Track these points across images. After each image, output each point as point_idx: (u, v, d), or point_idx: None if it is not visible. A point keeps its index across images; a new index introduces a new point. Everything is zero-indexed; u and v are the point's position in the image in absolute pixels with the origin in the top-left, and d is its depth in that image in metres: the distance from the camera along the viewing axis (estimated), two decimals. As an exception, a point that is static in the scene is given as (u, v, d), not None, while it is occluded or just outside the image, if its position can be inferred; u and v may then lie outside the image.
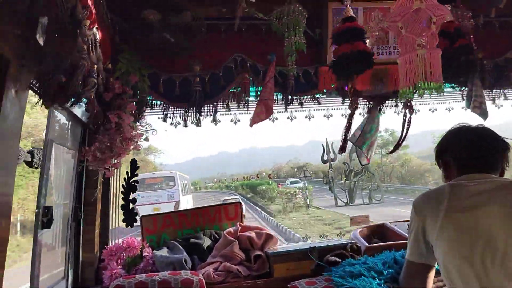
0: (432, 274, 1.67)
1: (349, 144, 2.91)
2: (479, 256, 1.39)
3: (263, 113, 2.66)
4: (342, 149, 2.77)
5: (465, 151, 1.65)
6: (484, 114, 2.87)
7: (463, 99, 3.20)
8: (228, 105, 2.87)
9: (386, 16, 2.12)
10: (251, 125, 2.68)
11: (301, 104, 2.95)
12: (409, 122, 2.88)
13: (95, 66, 1.73)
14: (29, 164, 1.90)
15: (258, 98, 2.72)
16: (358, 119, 2.85)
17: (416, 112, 3.13)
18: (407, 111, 2.89)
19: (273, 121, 2.98)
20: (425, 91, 1.93)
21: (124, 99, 2.39)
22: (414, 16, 1.94)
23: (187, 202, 20.16)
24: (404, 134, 2.91)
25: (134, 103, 2.46)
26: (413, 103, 2.87)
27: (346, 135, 2.68)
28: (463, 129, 1.72)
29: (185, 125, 2.78)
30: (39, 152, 1.95)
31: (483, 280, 1.38)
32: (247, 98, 2.80)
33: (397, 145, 3.12)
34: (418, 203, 1.66)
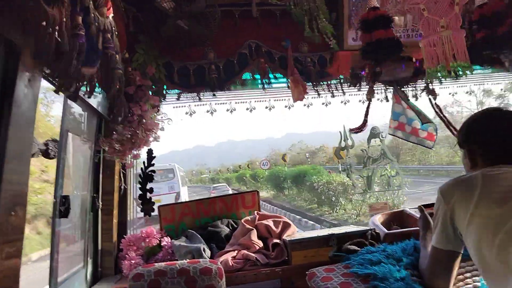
0: (458, 261, 1.63)
1: (367, 130, 2.86)
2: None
3: (302, 92, 2.63)
4: (359, 130, 2.73)
5: (494, 140, 1.55)
6: None
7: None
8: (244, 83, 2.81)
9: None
10: (302, 100, 2.67)
11: (318, 93, 2.88)
12: (438, 107, 2.80)
13: (117, 56, 1.72)
14: (46, 155, 1.92)
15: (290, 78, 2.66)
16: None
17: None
18: (430, 97, 2.82)
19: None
20: (452, 72, 1.87)
21: (144, 90, 2.39)
22: (437, -2, 1.88)
23: (184, 194, 20.03)
24: (444, 120, 2.81)
25: (152, 94, 2.47)
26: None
27: (365, 119, 2.64)
28: (493, 114, 1.61)
29: (199, 99, 2.74)
30: (54, 143, 1.96)
31: None
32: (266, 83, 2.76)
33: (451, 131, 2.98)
34: (447, 191, 1.58)
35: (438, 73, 1.99)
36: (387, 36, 2.21)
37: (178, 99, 2.72)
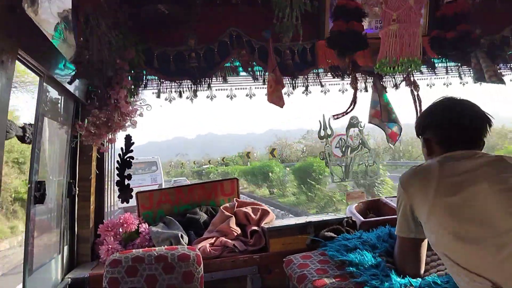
0: (424, 246, 1.67)
1: (346, 119, 2.89)
2: (475, 235, 1.36)
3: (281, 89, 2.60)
4: (338, 117, 2.76)
5: (447, 127, 1.61)
6: (502, 80, 2.78)
7: (461, 77, 3.16)
8: (226, 78, 2.77)
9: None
10: (282, 107, 2.60)
11: (294, 86, 2.85)
12: (419, 99, 2.84)
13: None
14: (21, 139, 1.87)
15: (271, 77, 2.60)
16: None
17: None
18: (412, 88, 2.86)
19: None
20: (401, 66, 1.91)
21: (121, 74, 2.35)
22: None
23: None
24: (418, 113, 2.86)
25: (129, 78, 2.42)
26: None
27: (350, 109, 2.68)
28: (445, 104, 1.67)
29: (180, 96, 2.70)
30: (30, 127, 1.92)
31: (484, 257, 1.33)
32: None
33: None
34: (406, 180, 1.62)
35: (385, 68, 2.03)
36: (358, 29, 2.23)
37: (159, 90, 2.68)
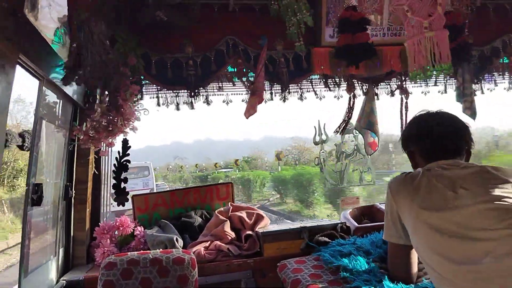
0: (413, 253, 1.68)
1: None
2: (457, 252, 1.38)
3: (257, 103, 2.62)
4: (342, 130, 2.78)
5: (426, 139, 1.66)
6: (474, 114, 2.88)
7: (446, 90, 3.21)
8: (221, 87, 2.81)
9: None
10: (247, 117, 2.62)
11: (287, 93, 2.86)
12: (406, 107, 2.88)
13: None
14: (21, 147, 1.90)
15: (251, 87, 2.65)
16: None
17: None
18: (403, 96, 2.90)
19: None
20: (434, 72, 1.93)
21: (124, 80, 2.37)
22: (419, -2, 1.93)
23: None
24: (404, 120, 2.91)
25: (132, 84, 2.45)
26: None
27: (348, 118, 2.69)
28: (423, 117, 1.73)
29: (177, 109, 2.74)
30: (29, 134, 1.94)
31: (462, 277, 1.35)
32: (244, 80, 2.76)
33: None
34: (394, 187, 1.66)
35: (417, 76, 2.05)
36: (364, 40, 2.25)
37: (157, 97, 2.71)
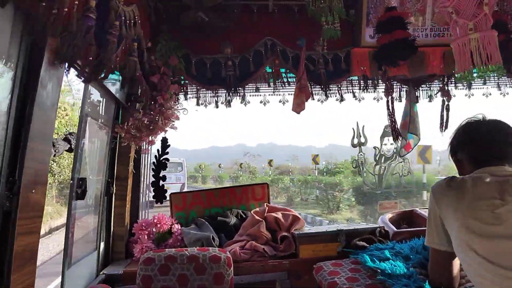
0: (455, 260, 1.63)
1: (380, 128, 2.86)
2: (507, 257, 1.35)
3: (305, 99, 2.62)
4: (397, 136, 2.74)
5: (477, 148, 1.62)
6: None
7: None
8: (258, 88, 2.84)
9: (436, 1, 2.06)
10: (298, 113, 2.62)
11: (326, 96, 2.85)
12: (447, 109, 2.80)
13: (135, 44, 1.75)
14: (68, 150, 1.99)
15: (297, 85, 2.62)
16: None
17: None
18: (444, 98, 2.82)
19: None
20: (484, 74, 1.87)
21: (166, 79, 2.44)
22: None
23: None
24: (444, 122, 2.82)
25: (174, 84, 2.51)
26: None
27: (394, 122, 2.65)
28: (474, 125, 1.68)
29: (217, 107, 2.79)
30: (72, 136, 2.02)
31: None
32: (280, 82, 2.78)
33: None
34: (438, 192, 1.62)
35: (466, 78, 1.99)
36: (404, 36, 2.21)
37: (197, 97, 2.77)
